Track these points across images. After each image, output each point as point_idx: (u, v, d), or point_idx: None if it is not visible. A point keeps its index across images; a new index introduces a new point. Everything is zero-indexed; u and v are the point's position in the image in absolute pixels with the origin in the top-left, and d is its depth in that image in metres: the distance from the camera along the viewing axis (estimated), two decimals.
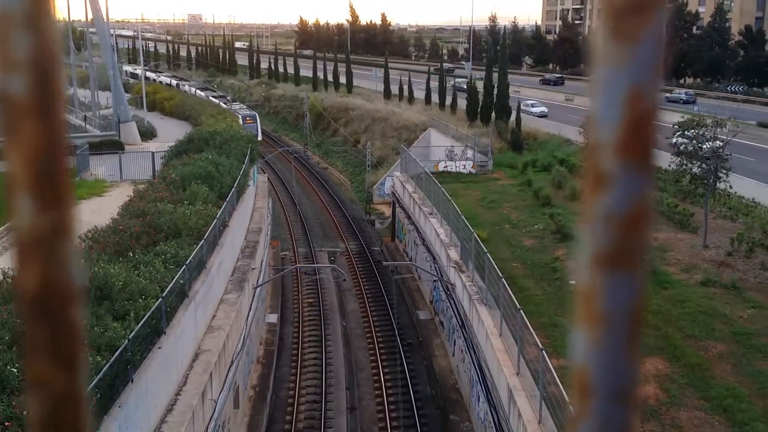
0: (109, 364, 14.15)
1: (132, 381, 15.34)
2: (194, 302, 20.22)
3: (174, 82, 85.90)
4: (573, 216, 35.98)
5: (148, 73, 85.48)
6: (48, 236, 0.50)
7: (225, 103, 70.98)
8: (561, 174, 43.56)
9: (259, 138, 56.12)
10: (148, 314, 16.51)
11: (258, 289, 28.63)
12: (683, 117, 35.82)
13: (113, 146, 50.02)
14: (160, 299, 17.28)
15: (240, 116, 57.61)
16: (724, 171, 31.00)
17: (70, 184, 0.52)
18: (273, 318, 33.19)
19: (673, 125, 33.58)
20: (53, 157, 0.50)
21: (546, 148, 52.55)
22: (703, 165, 30.98)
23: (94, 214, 31.71)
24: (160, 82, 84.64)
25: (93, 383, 13.42)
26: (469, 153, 49.43)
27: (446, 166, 48.36)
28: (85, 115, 62.68)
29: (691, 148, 31.08)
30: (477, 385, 22.60)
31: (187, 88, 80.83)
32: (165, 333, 17.67)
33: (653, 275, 28.02)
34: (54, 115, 0.49)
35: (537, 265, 30.45)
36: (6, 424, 12.33)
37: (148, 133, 57.98)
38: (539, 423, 16.53)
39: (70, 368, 0.51)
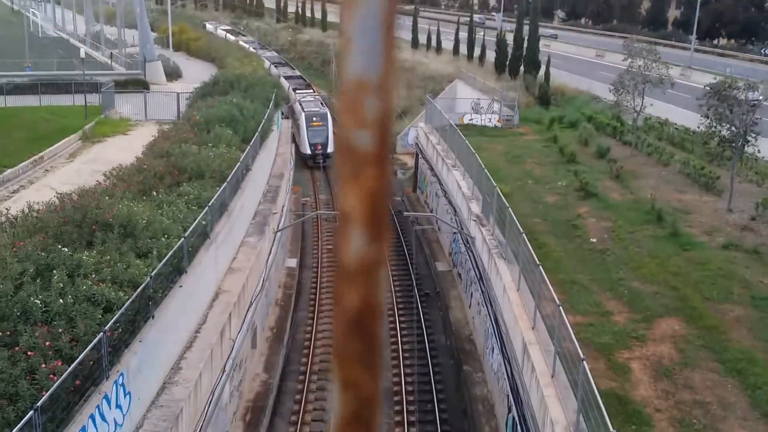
0: (131, 299, 14.41)
1: (153, 317, 15.63)
2: (215, 243, 20.44)
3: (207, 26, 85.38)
4: (598, 174, 35.68)
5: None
6: (371, 265, 0.58)
7: (254, 48, 69.91)
8: (588, 131, 43.03)
9: (330, 149, 46.63)
10: (170, 253, 16.72)
11: (278, 233, 28.86)
12: (715, 78, 35.08)
13: (138, 85, 50.07)
14: (183, 239, 17.47)
15: (303, 114, 48.03)
16: (754, 135, 30.45)
17: (389, 224, 0.59)
18: (292, 262, 33.51)
19: (705, 86, 32.92)
20: (382, 200, 0.58)
21: (574, 104, 51.83)
22: (733, 128, 30.43)
23: (119, 152, 31.91)
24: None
25: (115, 318, 13.70)
26: (496, 106, 48.90)
27: (471, 119, 47.91)
28: (111, 53, 62.58)
29: (721, 111, 30.51)
30: (492, 338, 22.78)
31: (214, 29, 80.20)
32: (186, 272, 17.92)
33: (675, 237, 27.84)
34: (385, 166, 0.58)
35: (558, 222, 30.34)
36: (29, 353, 12.66)
37: (173, 74, 57.89)
38: (552, 377, 16.67)
39: (375, 374, 0.61)
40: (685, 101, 43.00)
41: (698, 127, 33.34)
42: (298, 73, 66.20)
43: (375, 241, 0.56)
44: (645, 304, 23.24)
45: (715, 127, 30.83)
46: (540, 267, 18.74)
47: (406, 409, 23.04)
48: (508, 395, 19.70)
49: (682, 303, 23.14)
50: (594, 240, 28.31)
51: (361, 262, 0.56)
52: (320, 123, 47.98)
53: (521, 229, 21.35)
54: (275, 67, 64.22)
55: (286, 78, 60.19)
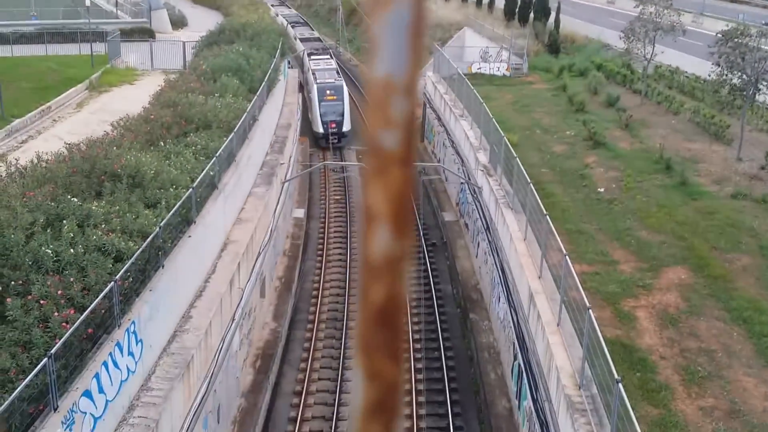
0: (141, 249, 14.54)
1: (163, 267, 15.79)
2: (223, 194, 20.50)
3: None
4: (607, 123, 35.39)
5: None
6: (396, 261, 0.59)
7: (272, 5, 67.88)
8: (597, 80, 42.54)
9: (346, 128, 41.31)
10: (179, 203, 16.80)
11: (286, 183, 28.89)
12: (727, 26, 34.47)
13: (144, 34, 49.59)
14: (191, 189, 17.53)
15: (315, 87, 41.94)
16: (765, 83, 30.05)
17: (412, 221, 0.60)
18: (300, 213, 33.61)
19: (716, 34, 32.37)
20: (407, 199, 0.59)
21: (584, 52, 51.10)
22: (744, 76, 30.03)
23: (126, 101, 31.80)
24: None
25: (125, 267, 13.85)
26: (504, 55, 48.28)
27: (480, 68, 47.37)
28: (116, 1, 61.84)
29: (732, 59, 30.06)
30: (498, 287, 22.95)
31: None
32: (195, 222, 18.03)
33: (683, 186, 27.75)
34: (411, 165, 0.60)
35: (566, 172, 30.24)
36: (41, 302, 12.85)
37: (178, 22, 57.29)
38: (558, 326, 16.84)
39: (398, 364, 0.63)
40: (697, 49, 42.34)
41: (709, 76, 32.88)
42: (316, 34, 59.28)
43: (400, 238, 0.58)
44: (652, 253, 23.31)
45: (727, 75, 30.42)
46: (547, 217, 18.76)
47: (413, 356, 23.36)
48: (514, 343, 19.94)
49: (689, 252, 23.19)
50: (602, 189, 28.26)
51: (386, 257, 0.58)
52: (335, 97, 41.61)
53: (528, 179, 21.31)
54: (292, 27, 58.95)
55: (302, 40, 53.88)
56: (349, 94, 43.40)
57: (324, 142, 41.48)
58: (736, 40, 30.14)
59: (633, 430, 11.51)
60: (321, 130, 41.22)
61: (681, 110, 36.96)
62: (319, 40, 56.05)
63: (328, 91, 41.81)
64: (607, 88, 41.18)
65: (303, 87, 45.62)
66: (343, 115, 41.31)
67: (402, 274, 0.59)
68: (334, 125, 41.04)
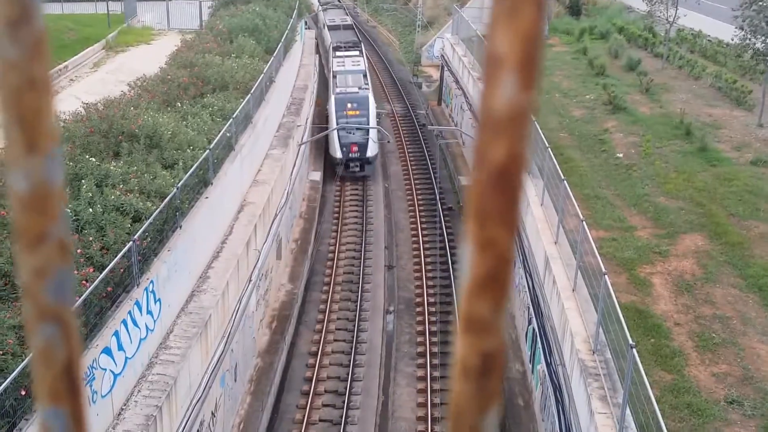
0: (159, 210, 14.64)
1: (180, 227, 15.90)
2: (240, 155, 20.53)
3: None
4: (627, 87, 34.93)
5: None
6: (520, 115, 0.54)
7: None
8: (618, 43, 41.90)
9: (371, 152, 32.82)
10: (196, 165, 16.84)
11: (302, 146, 28.86)
12: None
13: None
14: (208, 151, 17.56)
15: (333, 98, 33.88)
16: None
17: (539, 73, 0.56)
18: (316, 176, 33.62)
19: None
20: (538, 44, 0.54)
21: (605, 14, 50.28)
22: (767, 40, 29.46)
23: (142, 61, 31.74)
24: None
25: (144, 227, 13.97)
26: None
27: None
28: None
29: (756, 22, 29.46)
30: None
31: None
32: (212, 184, 18.09)
33: (703, 152, 27.45)
34: (543, 6, 0.53)
35: (585, 136, 29.98)
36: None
37: None
38: (573, 291, 16.85)
39: (512, 231, 0.57)
40: (720, 12, 41.51)
41: (732, 40, 32.28)
42: (349, 20, 49.73)
43: (526, 89, 0.53)
44: (669, 219, 23.17)
45: (750, 39, 29.86)
46: (564, 182, 18.66)
47: (428, 319, 23.53)
48: (528, 308, 20.00)
49: (707, 219, 23.03)
50: (620, 155, 28.02)
51: (509, 111, 0.53)
52: (358, 111, 33.23)
53: (546, 143, 21.16)
54: (323, 11, 51.44)
55: (331, 28, 45.21)
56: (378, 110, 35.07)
57: (343, 169, 33.01)
58: (760, 3, 29.49)
59: (646, 395, 11.56)
60: (339, 155, 32.77)
61: (702, 75, 36.39)
62: (351, 28, 47.13)
63: (349, 104, 33.42)
64: (628, 52, 40.57)
65: (320, 45, 44.49)
66: (368, 137, 32.46)
67: (525, 130, 0.54)
68: (355, 149, 32.66)
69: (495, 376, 0.57)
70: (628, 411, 12.46)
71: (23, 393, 10.45)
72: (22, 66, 0.48)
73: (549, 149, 20.75)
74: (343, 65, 36.95)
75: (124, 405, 12.98)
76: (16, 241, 0.50)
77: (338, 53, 38.92)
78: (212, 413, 15.90)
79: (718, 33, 42.23)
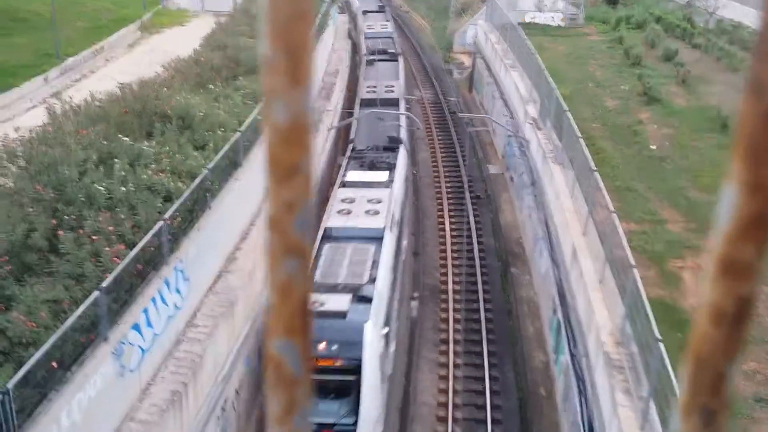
0: (190, 190, 14.80)
1: (210, 208, 16.06)
2: None
3: None
4: (663, 78, 34.42)
5: None
6: None
7: None
8: (656, 33, 41.24)
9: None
10: (227, 146, 16.98)
11: (332, 130, 28.92)
12: None
13: None
14: (239, 133, 17.68)
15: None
16: None
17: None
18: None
19: None
20: None
21: (642, 3, 49.48)
22: None
23: (176, 43, 31.98)
24: None
25: (174, 207, 14.14)
26: (560, 4, 47.01)
27: (534, 18, 46.27)
28: None
29: None
30: (541, 242, 22.83)
31: None
32: (242, 166, 18.23)
33: None
34: None
35: (618, 127, 29.63)
36: (93, 237, 13.22)
37: None
38: (600, 283, 16.74)
39: None
40: (762, 2, 40.59)
41: None
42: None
43: None
44: (702, 213, 22.85)
45: None
46: (596, 173, 18.48)
47: (453, 307, 23.53)
48: (554, 298, 19.91)
49: None
50: (654, 147, 27.66)
51: None
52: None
53: (579, 134, 20.95)
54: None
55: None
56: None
57: None
58: None
59: (671, 390, 11.48)
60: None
61: (741, 67, 35.69)
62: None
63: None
64: (666, 42, 39.92)
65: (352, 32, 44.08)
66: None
67: None
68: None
69: (747, 322, 0.54)
70: (652, 405, 12.38)
71: (54, 366, 10.68)
72: None
73: (581, 139, 20.55)
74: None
75: (152, 380, 13.20)
76: (268, 174, 0.51)
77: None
78: (236, 391, 16.11)
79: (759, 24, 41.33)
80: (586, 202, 19.31)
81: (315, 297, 13.08)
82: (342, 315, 15.57)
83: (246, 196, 18.63)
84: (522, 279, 24.57)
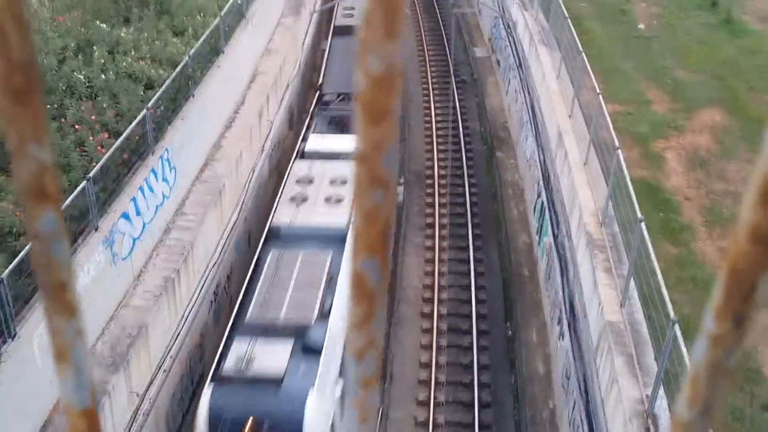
0: (171, 78, 14.56)
1: (193, 96, 15.85)
2: (251, 24, 20.10)
3: None
4: None
5: None
6: None
7: None
8: None
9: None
10: (207, 32, 16.57)
11: (314, 14, 28.15)
12: None
13: None
14: (219, 18, 17.20)
15: None
16: None
17: None
18: (327, 45, 32.95)
19: None
20: None
21: None
22: None
23: None
24: None
25: (157, 95, 13.95)
26: None
27: None
28: None
29: None
30: (527, 125, 22.82)
31: None
32: (223, 52, 17.85)
33: (728, 24, 26.61)
34: None
35: (606, 7, 29.02)
36: (76, 127, 13.10)
37: None
38: (585, 164, 16.89)
39: None
40: None
41: None
42: None
43: None
44: (688, 93, 22.82)
45: None
46: (582, 54, 18.27)
47: (439, 191, 23.76)
48: (538, 181, 20.13)
49: (727, 93, 22.66)
50: (642, 26, 27.22)
51: None
52: None
53: (566, 14, 20.54)
54: None
55: None
56: None
57: None
58: None
59: (651, 268, 11.84)
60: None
61: None
62: None
63: None
64: None
65: None
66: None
67: None
68: None
69: None
70: (632, 283, 12.80)
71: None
72: None
73: (568, 20, 20.17)
74: None
75: (144, 267, 13.46)
76: (359, 115, 0.57)
77: None
78: (228, 277, 16.47)
79: None
80: (572, 84, 19.19)
81: (244, 346, 11.47)
82: (276, 381, 11.59)
83: (229, 83, 18.35)
84: (507, 163, 24.72)
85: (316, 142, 18.45)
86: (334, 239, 14.38)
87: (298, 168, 17.28)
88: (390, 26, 0.53)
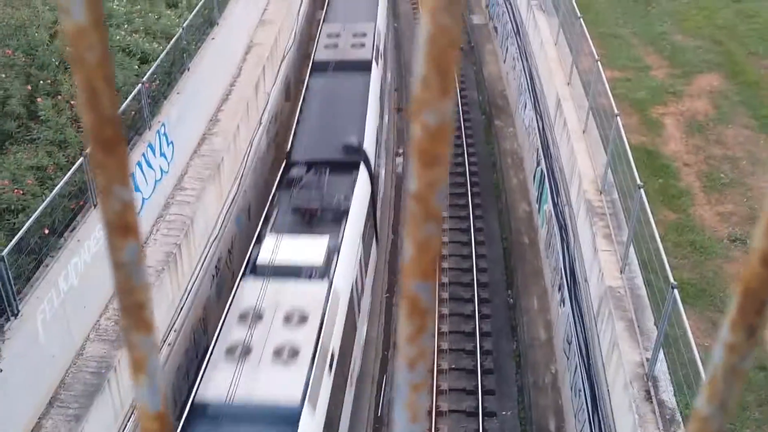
0: (166, 51, 14.43)
1: (188, 69, 15.73)
2: None
3: None
4: None
5: None
6: None
7: None
8: None
9: None
10: (200, 3, 16.39)
11: None
12: None
13: None
14: None
15: None
16: None
17: None
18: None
19: None
20: None
21: None
22: None
23: None
24: None
25: (152, 69, 13.83)
26: None
27: None
28: None
29: None
30: (525, 93, 22.68)
31: None
32: (218, 24, 17.67)
33: None
34: None
35: None
36: (71, 102, 13.01)
37: None
38: (584, 132, 16.83)
39: None
40: None
41: None
42: None
43: None
44: (686, 58, 22.66)
45: None
46: (580, 19, 18.09)
47: None
48: (538, 149, 20.07)
49: (725, 58, 22.49)
50: None
51: None
52: None
53: None
54: None
55: None
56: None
57: None
58: None
59: (650, 233, 11.86)
60: None
61: None
62: None
63: None
64: None
65: None
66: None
67: None
68: None
69: None
70: (632, 249, 12.83)
71: (46, 232, 10.83)
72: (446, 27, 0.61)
73: None
74: None
75: (145, 243, 13.46)
76: (415, 160, 0.64)
77: None
78: (229, 251, 16.49)
79: None
80: (570, 50, 19.04)
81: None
82: None
83: (224, 56, 18.20)
84: (506, 131, 24.63)
85: (273, 248, 13.41)
86: (284, 421, 10.26)
87: (245, 293, 12.65)
88: (444, 87, 0.62)
